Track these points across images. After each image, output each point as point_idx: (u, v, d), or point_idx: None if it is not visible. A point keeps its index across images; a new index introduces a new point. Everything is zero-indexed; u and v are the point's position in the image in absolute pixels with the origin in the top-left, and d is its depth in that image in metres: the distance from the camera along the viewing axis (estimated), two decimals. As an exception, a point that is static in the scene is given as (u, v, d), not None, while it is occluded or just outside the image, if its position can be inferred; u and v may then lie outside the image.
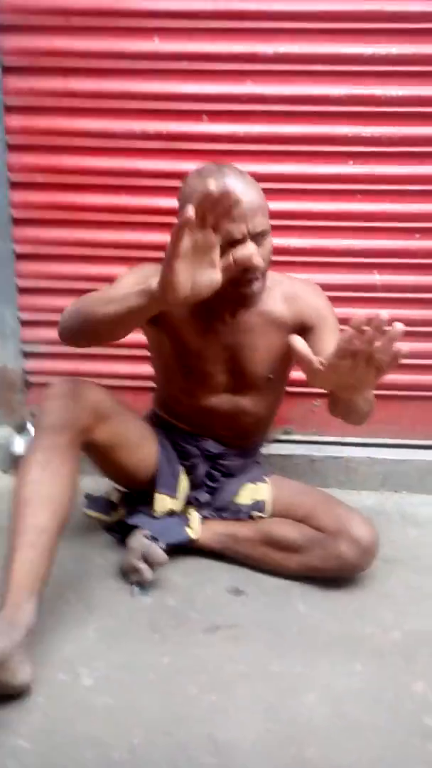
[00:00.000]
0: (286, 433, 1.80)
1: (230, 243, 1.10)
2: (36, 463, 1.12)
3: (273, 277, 1.31)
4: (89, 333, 1.14)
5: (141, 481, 1.39)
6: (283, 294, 1.33)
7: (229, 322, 1.29)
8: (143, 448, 1.36)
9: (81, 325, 1.13)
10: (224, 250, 1.02)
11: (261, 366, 1.34)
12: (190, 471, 1.43)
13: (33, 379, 1.85)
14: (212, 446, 1.43)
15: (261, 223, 1.15)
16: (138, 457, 1.35)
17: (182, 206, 1.17)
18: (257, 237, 1.15)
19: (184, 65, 1.61)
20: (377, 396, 1.84)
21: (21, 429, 1.81)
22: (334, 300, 1.71)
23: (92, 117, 1.65)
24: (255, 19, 1.57)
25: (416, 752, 0.94)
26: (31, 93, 1.64)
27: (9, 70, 1.62)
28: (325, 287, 1.69)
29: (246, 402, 1.38)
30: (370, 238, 1.70)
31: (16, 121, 1.66)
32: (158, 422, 1.46)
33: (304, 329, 1.29)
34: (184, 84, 1.62)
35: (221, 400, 1.37)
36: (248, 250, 1.10)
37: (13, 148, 1.67)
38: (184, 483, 1.41)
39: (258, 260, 1.12)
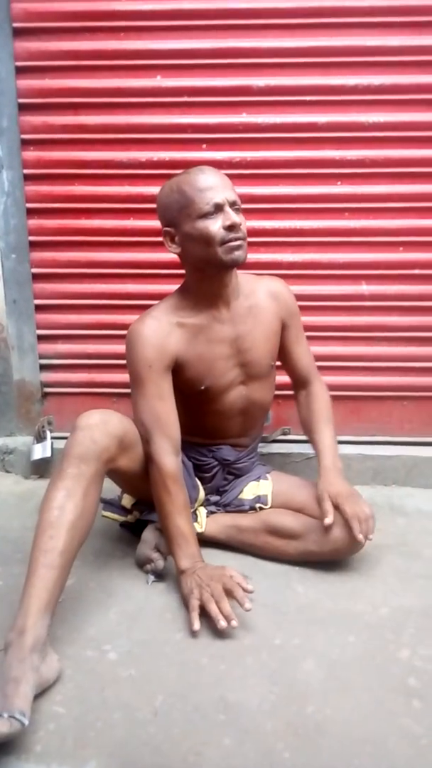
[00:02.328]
0: (284, 433, 1.93)
1: (215, 210, 1.30)
2: (62, 490, 1.19)
3: (255, 277, 1.52)
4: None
5: None
6: (268, 291, 1.51)
7: (226, 316, 1.43)
8: None
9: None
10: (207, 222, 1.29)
11: (263, 353, 1.48)
12: (209, 480, 1.56)
13: (49, 390, 1.99)
14: (228, 453, 1.55)
15: (234, 195, 1.33)
16: None
17: (170, 215, 1.35)
18: (234, 207, 1.32)
19: (185, 99, 1.76)
20: (370, 398, 1.99)
21: (39, 437, 1.94)
22: (325, 309, 1.87)
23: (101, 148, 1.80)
24: (247, 56, 1.72)
25: (401, 708, 1.08)
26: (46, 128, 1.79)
27: (24, 107, 1.77)
28: (317, 298, 1.85)
29: (255, 391, 1.51)
30: (357, 251, 1.84)
31: (32, 154, 1.81)
32: None
33: (283, 325, 1.52)
34: (184, 116, 1.77)
35: (236, 395, 1.49)
36: (229, 214, 1.30)
37: (29, 178, 1.82)
38: (201, 494, 1.54)
39: (238, 219, 1.31)
